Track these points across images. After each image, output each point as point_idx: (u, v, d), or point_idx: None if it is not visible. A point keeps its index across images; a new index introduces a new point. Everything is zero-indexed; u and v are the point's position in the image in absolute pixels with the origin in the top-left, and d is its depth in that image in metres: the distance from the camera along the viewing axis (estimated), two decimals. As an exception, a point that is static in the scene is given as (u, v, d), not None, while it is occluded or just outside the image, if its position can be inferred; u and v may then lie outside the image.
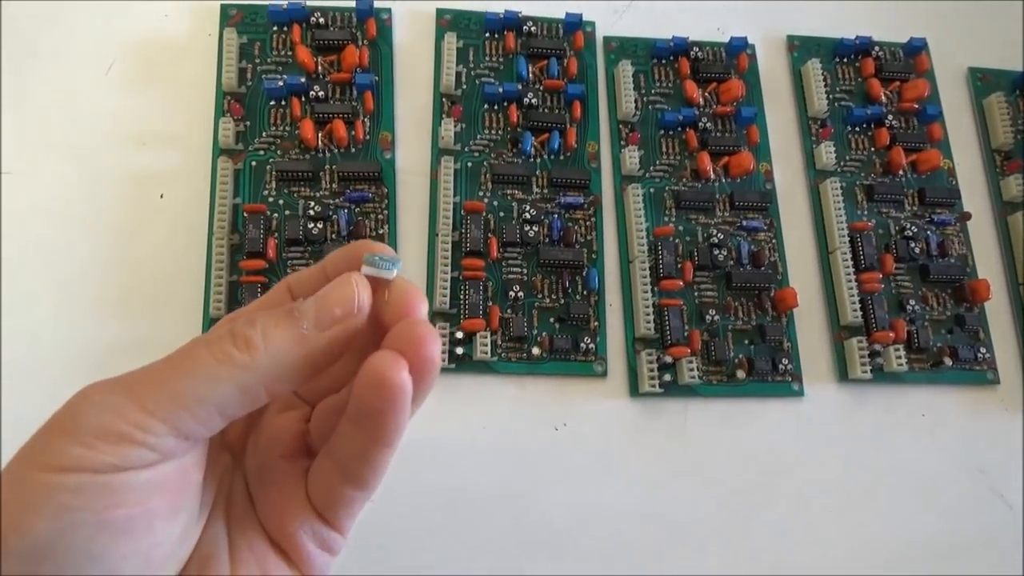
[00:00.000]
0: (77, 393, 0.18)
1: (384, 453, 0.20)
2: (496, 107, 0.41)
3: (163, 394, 0.17)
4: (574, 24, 0.42)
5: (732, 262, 0.40)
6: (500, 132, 0.40)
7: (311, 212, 0.37)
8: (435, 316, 0.37)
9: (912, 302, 0.40)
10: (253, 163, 0.38)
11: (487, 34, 0.42)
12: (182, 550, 0.19)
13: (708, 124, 0.42)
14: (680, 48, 0.43)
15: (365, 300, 0.19)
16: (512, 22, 0.42)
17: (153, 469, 0.17)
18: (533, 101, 0.41)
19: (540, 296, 0.38)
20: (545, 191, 0.40)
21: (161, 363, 0.18)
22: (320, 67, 0.40)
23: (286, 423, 0.23)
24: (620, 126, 0.42)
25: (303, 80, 0.39)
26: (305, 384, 0.20)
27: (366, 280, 0.19)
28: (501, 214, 0.39)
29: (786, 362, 0.38)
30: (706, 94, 0.43)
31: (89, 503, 0.16)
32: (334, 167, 0.38)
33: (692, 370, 0.37)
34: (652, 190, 0.41)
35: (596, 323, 0.38)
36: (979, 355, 0.40)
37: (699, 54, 0.43)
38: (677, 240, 0.40)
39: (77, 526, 0.16)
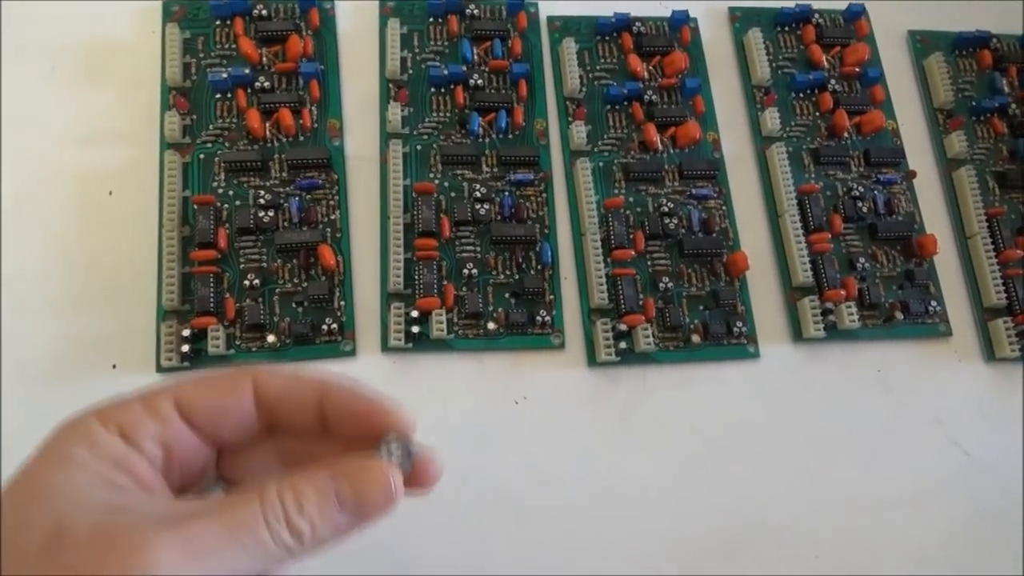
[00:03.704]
0: (133, 546, 0.18)
1: None
2: (442, 90, 0.41)
3: (227, 568, 0.19)
4: (516, 5, 0.43)
5: (683, 230, 0.40)
6: (447, 114, 0.41)
7: (261, 201, 0.38)
8: (390, 297, 0.37)
9: (862, 260, 0.41)
10: (201, 156, 0.38)
11: (430, 19, 0.43)
12: None
13: (654, 97, 0.42)
14: (622, 24, 0.43)
15: (401, 493, 0.21)
16: (455, 6, 0.42)
17: None
18: (479, 82, 0.41)
19: (494, 273, 0.38)
20: (495, 170, 0.40)
21: (223, 527, 0.19)
22: (265, 58, 0.40)
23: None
24: (567, 103, 0.42)
25: (248, 72, 0.39)
26: None
27: (399, 472, 0.22)
28: (452, 194, 0.39)
29: (740, 325, 0.39)
30: (650, 68, 0.43)
31: None
32: (283, 156, 0.39)
33: (648, 337, 0.37)
34: (601, 164, 0.41)
35: (551, 296, 0.38)
36: (930, 308, 0.40)
37: (642, 29, 0.44)
38: (628, 211, 0.40)
39: None
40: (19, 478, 0.19)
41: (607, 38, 0.44)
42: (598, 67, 0.43)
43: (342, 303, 0.37)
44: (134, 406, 0.21)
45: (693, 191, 0.41)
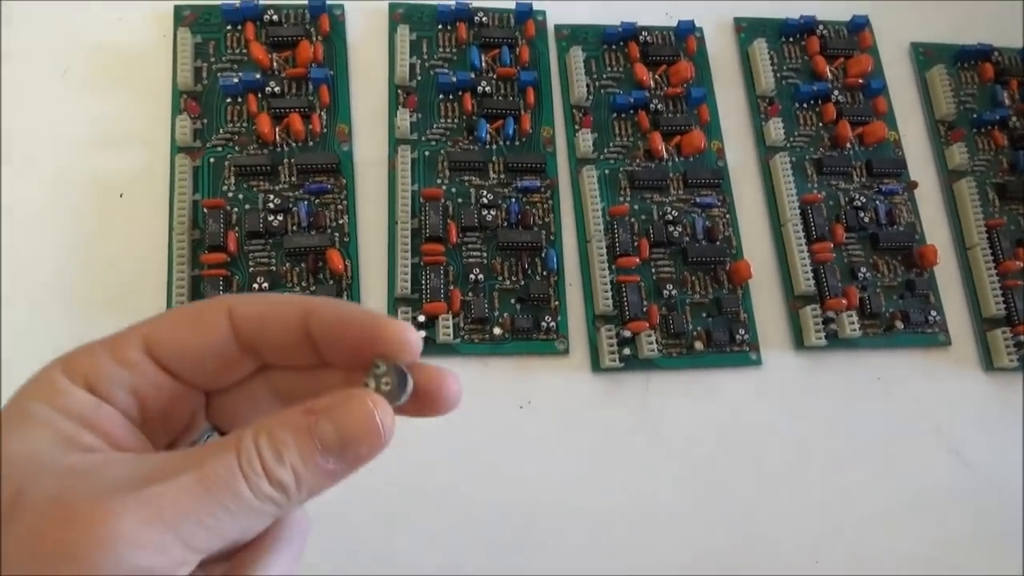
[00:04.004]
0: (94, 516, 0.16)
1: None
2: (451, 96, 0.42)
3: (207, 531, 0.17)
4: (525, 13, 0.43)
5: (687, 238, 0.41)
6: (455, 121, 0.41)
7: (271, 205, 0.38)
8: (397, 302, 0.37)
9: (863, 270, 0.41)
10: (211, 159, 0.39)
11: (439, 26, 0.43)
12: None
13: (659, 106, 0.43)
14: (629, 33, 0.44)
15: (390, 427, 0.18)
16: (464, 13, 0.43)
17: None
18: (487, 89, 0.42)
19: (500, 278, 0.39)
20: (502, 176, 0.41)
21: (196, 485, 0.16)
22: (275, 63, 0.41)
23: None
24: (573, 110, 0.43)
25: (258, 76, 0.40)
26: None
27: (386, 403, 0.18)
28: (459, 200, 0.40)
29: (743, 332, 0.39)
30: (656, 77, 0.44)
31: None
32: (292, 160, 0.39)
33: (651, 344, 0.38)
34: (607, 171, 0.42)
35: (556, 302, 0.39)
36: (930, 318, 0.41)
37: (648, 38, 0.44)
38: (633, 219, 0.41)
39: None
40: None
41: (614, 47, 0.44)
42: (604, 75, 0.44)
43: (350, 307, 0.37)
44: (99, 354, 0.19)
45: (697, 199, 0.41)
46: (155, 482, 0.16)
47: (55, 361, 0.19)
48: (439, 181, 0.40)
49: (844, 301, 0.40)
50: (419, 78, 0.42)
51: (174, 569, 0.16)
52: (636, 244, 0.40)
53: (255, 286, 0.36)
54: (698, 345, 0.39)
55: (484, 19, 0.43)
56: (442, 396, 0.19)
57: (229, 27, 0.41)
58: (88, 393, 0.18)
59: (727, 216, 0.42)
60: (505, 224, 0.39)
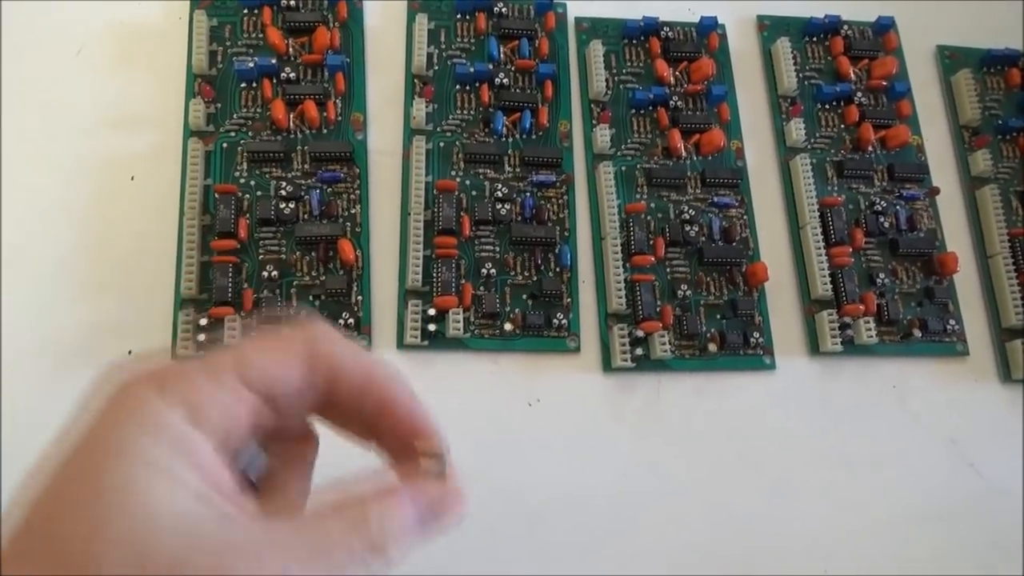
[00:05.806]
0: (218, 551, 0.16)
1: None
2: (467, 87, 0.41)
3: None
4: (545, 5, 0.43)
5: (704, 238, 0.40)
6: (472, 112, 0.41)
7: (283, 192, 0.37)
8: (408, 294, 0.37)
9: (882, 275, 0.40)
10: (224, 144, 0.38)
11: (458, 15, 0.42)
12: None
13: (679, 103, 0.42)
14: (650, 28, 0.43)
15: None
16: (483, 3, 0.42)
17: None
18: (504, 81, 0.41)
19: (513, 273, 0.38)
20: (517, 170, 0.40)
21: (296, 537, 0.17)
22: (291, 49, 0.40)
23: None
24: (592, 105, 0.42)
25: (274, 62, 0.39)
26: None
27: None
28: (473, 193, 0.39)
29: (758, 336, 0.39)
30: (677, 73, 0.43)
31: None
32: (306, 148, 0.38)
33: (664, 344, 0.37)
34: (624, 168, 0.41)
35: (569, 299, 0.38)
36: (948, 327, 0.40)
37: (669, 34, 0.44)
38: (649, 217, 0.40)
39: None
40: (78, 475, 0.16)
41: (634, 41, 0.44)
42: (624, 70, 0.43)
43: (359, 298, 0.37)
44: (198, 380, 0.17)
45: (715, 199, 0.41)
46: (288, 550, 0.17)
47: (147, 381, 0.17)
48: (453, 173, 0.39)
49: (861, 307, 0.39)
50: (436, 68, 0.41)
51: None
52: (651, 243, 0.39)
53: (264, 274, 0.36)
54: (712, 347, 0.38)
55: (503, 10, 0.42)
56: None
57: (246, 11, 0.40)
58: (191, 427, 0.17)
59: (745, 217, 0.41)
60: (519, 219, 0.39)
